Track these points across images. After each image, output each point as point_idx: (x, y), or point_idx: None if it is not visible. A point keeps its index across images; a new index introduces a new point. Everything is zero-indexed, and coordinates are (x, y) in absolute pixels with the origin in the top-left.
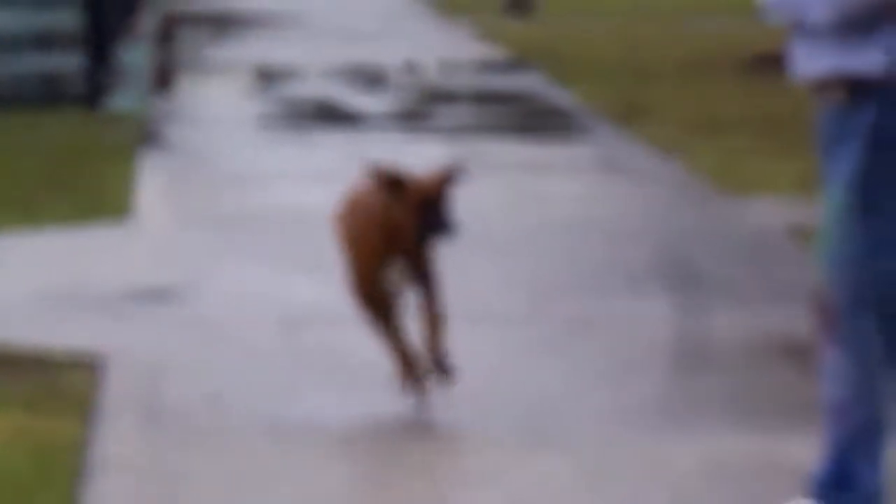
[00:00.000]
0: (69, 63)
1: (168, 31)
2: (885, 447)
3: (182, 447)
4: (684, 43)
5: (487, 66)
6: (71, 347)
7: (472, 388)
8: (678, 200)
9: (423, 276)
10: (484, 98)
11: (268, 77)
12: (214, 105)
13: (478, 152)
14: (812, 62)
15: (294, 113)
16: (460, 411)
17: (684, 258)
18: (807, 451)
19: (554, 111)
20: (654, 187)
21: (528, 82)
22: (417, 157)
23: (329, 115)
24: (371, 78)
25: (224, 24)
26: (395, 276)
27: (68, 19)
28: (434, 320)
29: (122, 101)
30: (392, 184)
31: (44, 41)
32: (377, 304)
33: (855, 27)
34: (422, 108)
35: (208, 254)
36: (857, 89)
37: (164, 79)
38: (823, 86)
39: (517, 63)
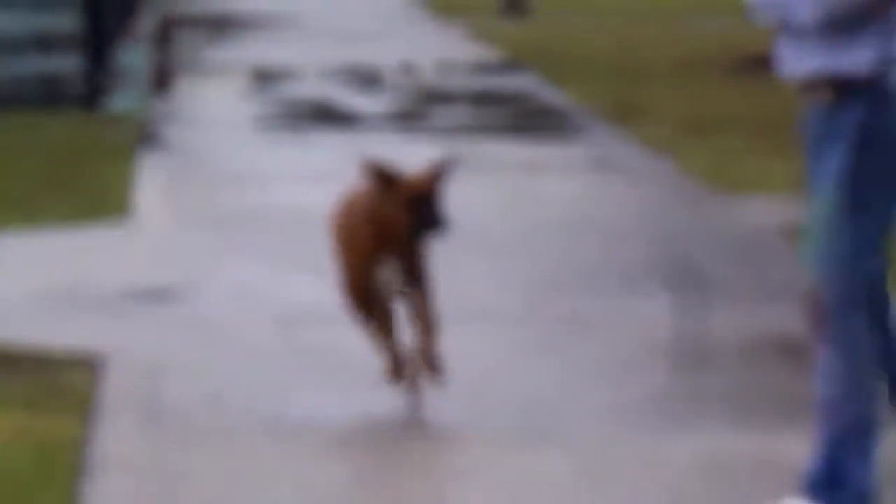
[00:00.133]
0: (68, 64)
1: (166, 33)
2: (875, 445)
3: (182, 446)
4: (679, 43)
5: (483, 67)
6: (71, 347)
7: (469, 388)
8: (672, 200)
9: (416, 275)
10: (480, 99)
11: (265, 78)
12: (213, 106)
13: (473, 152)
14: (799, 62)
15: (291, 113)
16: (458, 410)
17: (679, 257)
18: (802, 448)
19: (549, 111)
20: (649, 187)
21: (524, 83)
22: (414, 156)
23: (326, 116)
24: (368, 79)
25: (222, 26)
26: (388, 274)
27: (67, 21)
28: (427, 321)
29: (121, 102)
30: (384, 181)
31: (43, 43)
32: (368, 303)
33: (841, 27)
34: (418, 109)
35: (207, 253)
36: (843, 89)
37: (162, 80)
38: (810, 86)
39: (513, 64)
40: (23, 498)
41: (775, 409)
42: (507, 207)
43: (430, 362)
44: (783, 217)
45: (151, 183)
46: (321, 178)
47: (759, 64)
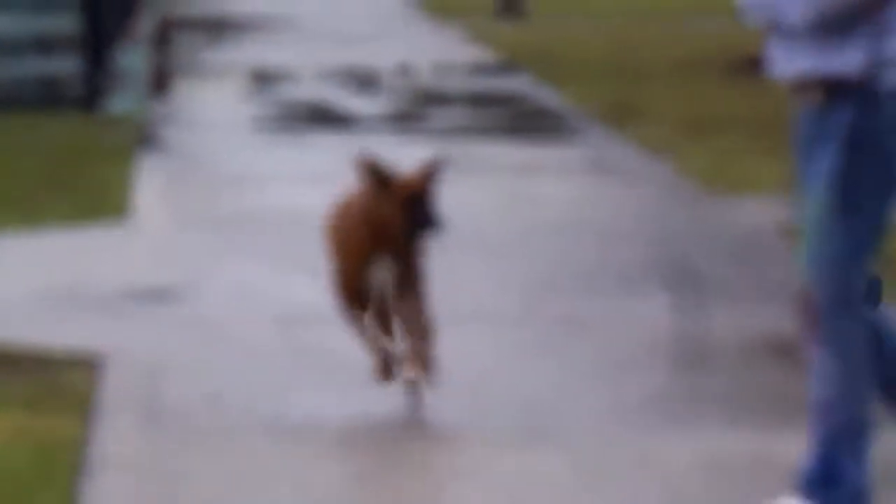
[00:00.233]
0: (67, 66)
1: (165, 35)
2: (869, 444)
3: (181, 446)
4: (676, 44)
5: (480, 69)
6: (71, 347)
7: (468, 388)
8: (669, 201)
9: (410, 276)
10: (476, 100)
11: (263, 80)
12: (211, 108)
13: (470, 154)
14: (790, 63)
15: (289, 115)
16: (457, 411)
17: (676, 258)
18: (801, 448)
19: (545, 113)
20: (645, 188)
21: (520, 84)
22: (411, 158)
23: (324, 118)
24: (365, 80)
25: (220, 28)
26: (382, 274)
27: (67, 23)
28: (420, 323)
29: (120, 103)
30: (378, 181)
31: (42, 45)
32: (361, 303)
33: (832, 28)
34: (415, 110)
35: (207, 254)
36: (834, 90)
37: (161, 82)
38: (801, 86)
39: (509, 65)
40: (23, 497)
41: (773, 408)
42: (504, 208)
43: (423, 364)
44: (781, 217)
45: (150, 184)
46: (319, 179)
47: (757, 65)
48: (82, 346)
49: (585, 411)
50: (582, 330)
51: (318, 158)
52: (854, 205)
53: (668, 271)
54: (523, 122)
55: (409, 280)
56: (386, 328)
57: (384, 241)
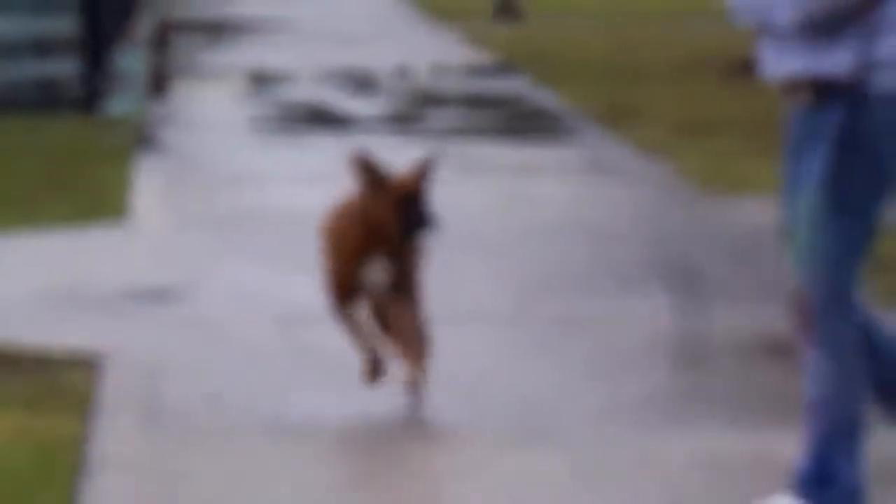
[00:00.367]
0: (66, 68)
1: (163, 37)
2: (863, 444)
3: (181, 446)
4: (672, 46)
5: (477, 71)
6: (70, 347)
7: (466, 388)
8: (666, 201)
9: (405, 278)
10: (474, 101)
11: (261, 81)
12: (209, 109)
13: (468, 155)
14: (780, 64)
15: (287, 116)
16: (456, 411)
17: (674, 258)
18: (796, 447)
19: (542, 114)
20: (642, 188)
21: (517, 86)
22: (409, 159)
23: (321, 119)
24: (363, 82)
25: (218, 30)
26: (376, 275)
27: (66, 25)
28: (412, 325)
29: (119, 105)
30: (372, 182)
31: (42, 47)
32: (353, 304)
33: (821, 30)
34: (413, 112)
35: (206, 254)
36: (824, 91)
37: (159, 83)
38: (791, 87)
39: (506, 67)
40: (22, 497)
41: (771, 407)
42: (502, 209)
43: (417, 364)
44: (777, 218)
45: (149, 184)
46: (317, 179)
47: (753, 66)
48: (82, 346)
49: (584, 411)
50: (580, 330)
51: (317, 159)
52: (845, 205)
53: (666, 271)
54: (521, 122)
55: (404, 280)
56: (380, 328)
57: (378, 241)
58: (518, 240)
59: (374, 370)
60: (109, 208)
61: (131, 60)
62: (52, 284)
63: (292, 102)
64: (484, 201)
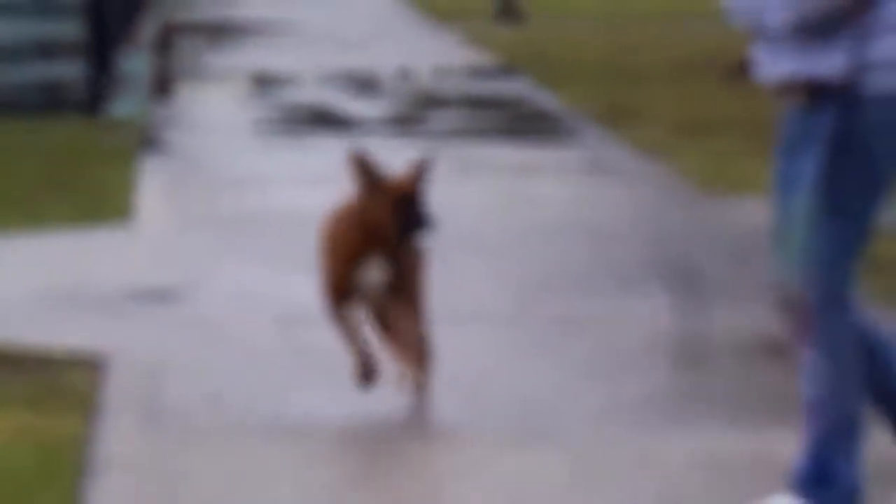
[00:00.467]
0: (71, 71)
1: (167, 40)
2: (861, 443)
3: (182, 446)
4: (672, 47)
5: (478, 72)
6: (72, 347)
7: (467, 388)
8: (665, 202)
9: (403, 279)
10: (475, 103)
11: (264, 83)
12: (212, 111)
13: (469, 156)
14: (774, 66)
15: (290, 118)
16: (456, 411)
17: (673, 258)
18: (796, 447)
19: (543, 115)
20: (642, 189)
21: (518, 87)
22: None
23: (324, 120)
24: (365, 84)
25: (221, 33)
26: (373, 277)
27: (70, 28)
28: (413, 326)
29: (123, 107)
30: (368, 182)
31: (46, 50)
32: (348, 304)
33: (814, 31)
34: (415, 113)
35: (207, 255)
36: (817, 93)
37: (163, 86)
38: (785, 89)
39: (507, 68)
40: (24, 497)
41: (771, 407)
42: (503, 209)
43: (415, 364)
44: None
45: (152, 186)
46: (319, 181)
47: (748, 68)
48: (84, 346)
49: (584, 411)
50: (580, 330)
51: (319, 161)
52: (839, 207)
53: (666, 271)
54: (521, 124)
55: (402, 282)
56: (380, 331)
57: (375, 242)
58: (518, 240)
59: (366, 373)
60: (112, 209)
61: (135, 63)
62: (55, 284)
63: (295, 104)
64: (485, 202)
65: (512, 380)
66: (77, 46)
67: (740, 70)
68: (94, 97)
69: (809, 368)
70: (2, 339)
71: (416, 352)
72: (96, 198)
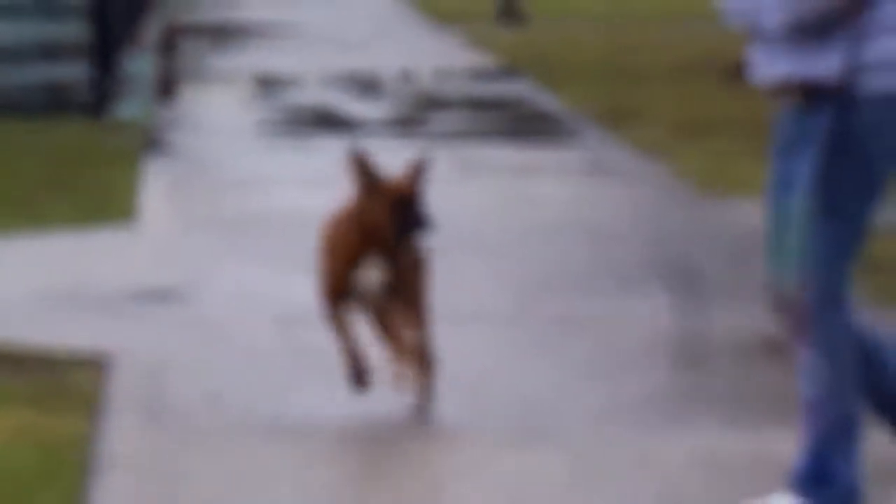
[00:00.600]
0: (75, 72)
1: (171, 42)
2: (859, 443)
3: (182, 446)
4: (672, 48)
5: (480, 74)
6: (75, 346)
7: (467, 388)
8: (665, 202)
9: (402, 280)
10: (476, 104)
11: (267, 85)
12: (216, 112)
13: (470, 156)
14: (770, 67)
15: (293, 120)
16: (456, 411)
17: (673, 258)
18: (795, 446)
19: (543, 116)
20: (642, 189)
21: (519, 88)
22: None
23: (327, 122)
24: (367, 85)
25: (225, 35)
26: (372, 277)
27: (74, 30)
28: (411, 331)
29: (127, 109)
30: (367, 184)
31: (50, 51)
32: (345, 305)
33: (809, 33)
34: (416, 115)
35: (210, 256)
36: (813, 94)
37: (167, 87)
38: (781, 90)
39: (508, 70)
40: (26, 496)
41: (772, 407)
42: (504, 210)
43: (416, 364)
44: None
45: (156, 187)
46: (322, 182)
47: (744, 69)
48: (86, 346)
49: (584, 411)
50: (580, 330)
51: (322, 162)
52: (835, 208)
53: (665, 271)
54: (522, 125)
55: (401, 282)
56: (380, 333)
57: (373, 243)
58: (519, 240)
59: (358, 376)
60: (116, 210)
61: (139, 65)
62: (58, 285)
63: (298, 106)
64: (486, 202)
65: (512, 380)
66: (81, 48)
67: (739, 71)
68: (97, 99)
69: (807, 369)
70: (5, 338)
71: (416, 354)
72: (100, 199)
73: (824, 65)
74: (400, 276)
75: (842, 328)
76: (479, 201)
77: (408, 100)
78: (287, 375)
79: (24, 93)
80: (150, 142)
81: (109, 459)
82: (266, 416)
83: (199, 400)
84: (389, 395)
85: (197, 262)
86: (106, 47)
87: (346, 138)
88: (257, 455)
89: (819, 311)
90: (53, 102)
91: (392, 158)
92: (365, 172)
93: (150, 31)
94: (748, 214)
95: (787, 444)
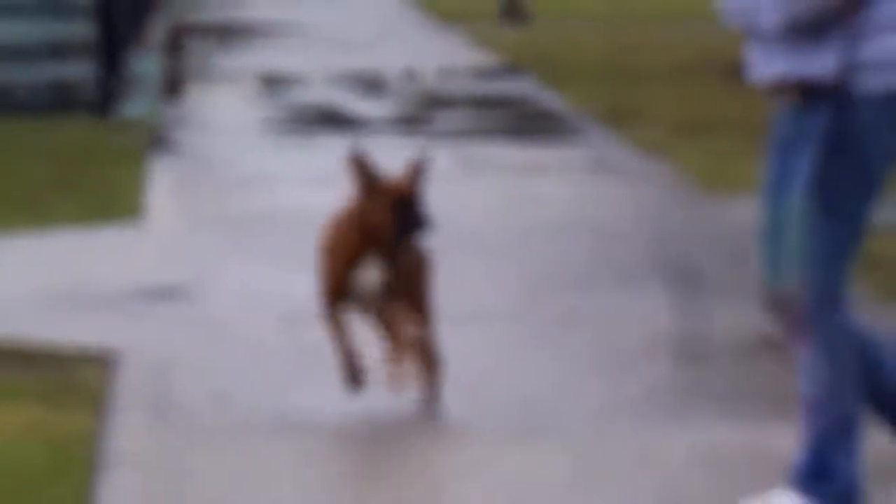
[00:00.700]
0: (81, 71)
1: (177, 41)
2: (860, 441)
3: (188, 443)
4: (674, 47)
5: (483, 73)
6: (83, 344)
7: (469, 386)
8: (667, 200)
9: (401, 280)
10: (480, 103)
11: (273, 84)
12: (221, 111)
13: (474, 155)
14: (767, 67)
15: (298, 118)
16: (458, 409)
17: (674, 257)
18: (795, 442)
19: (546, 115)
20: (644, 188)
21: (523, 87)
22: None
23: (331, 121)
24: (371, 84)
25: (230, 34)
26: (371, 277)
27: (81, 29)
28: (411, 331)
29: (134, 108)
30: (366, 183)
31: (57, 50)
32: (344, 306)
33: (805, 32)
34: (420, 113)
35: (215, 254)
36: (810, 93)
37: (173, 86)
38: (778, 89)
39: (512, 69)
40: (34, 492)
41: (772, 403)
42: (507, 208)
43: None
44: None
45: (162, 185)
46: (327, 180)
47: (742, 69)
48: (94, 343)
49: (585, 408)
50: (582, 328)
51: (327, 160)
52: (832, 207)
53: (667, 269)
54: (526, 123)
55: (401, 282)
56: (378, 331)
57: (373, 243)
58: (522, 238)
59: (352, 376)
60: (122, 208)
61: (146, 64)
62: (65, 283)
63: (303, 104)
64: (489, 200)
65: (513, 378)
66: (87, 47)
67: (739, 71)
68: (104, 97)
69: (807, 369)
70: (13, 335)
71: (419, 352)
72: (106, 197)
73: (820, 64)
74: (401, 275)
75: (840, 327)
76: (482, 199)
77: (412, 98)
78: (292, 374)
79: (31, 92)
80: (155, 140)
81: (116, 456)
82: (271, 414)
83: (205, 397)
84: (392, 394)
85: (203, 260)
86: (112, 46)
87: (351, 137)
88: (262, 453)
89: (817, 310)
90: (60, 101)
91: (396, 157)
92: (364, 172)
93: (157, 30)
94: (749, 213)
95: (788, 441)
